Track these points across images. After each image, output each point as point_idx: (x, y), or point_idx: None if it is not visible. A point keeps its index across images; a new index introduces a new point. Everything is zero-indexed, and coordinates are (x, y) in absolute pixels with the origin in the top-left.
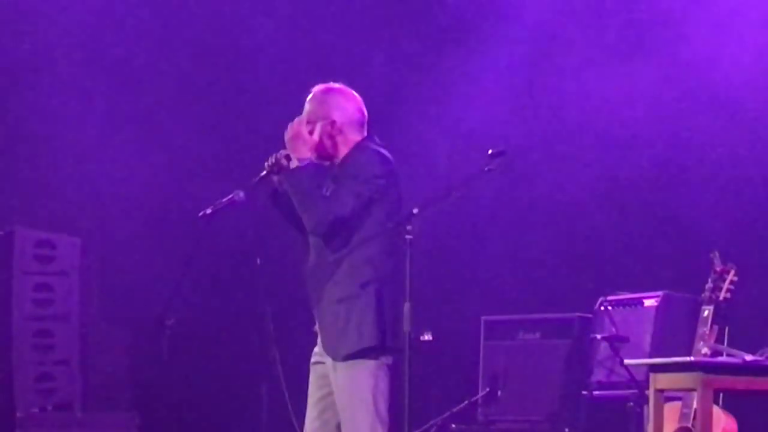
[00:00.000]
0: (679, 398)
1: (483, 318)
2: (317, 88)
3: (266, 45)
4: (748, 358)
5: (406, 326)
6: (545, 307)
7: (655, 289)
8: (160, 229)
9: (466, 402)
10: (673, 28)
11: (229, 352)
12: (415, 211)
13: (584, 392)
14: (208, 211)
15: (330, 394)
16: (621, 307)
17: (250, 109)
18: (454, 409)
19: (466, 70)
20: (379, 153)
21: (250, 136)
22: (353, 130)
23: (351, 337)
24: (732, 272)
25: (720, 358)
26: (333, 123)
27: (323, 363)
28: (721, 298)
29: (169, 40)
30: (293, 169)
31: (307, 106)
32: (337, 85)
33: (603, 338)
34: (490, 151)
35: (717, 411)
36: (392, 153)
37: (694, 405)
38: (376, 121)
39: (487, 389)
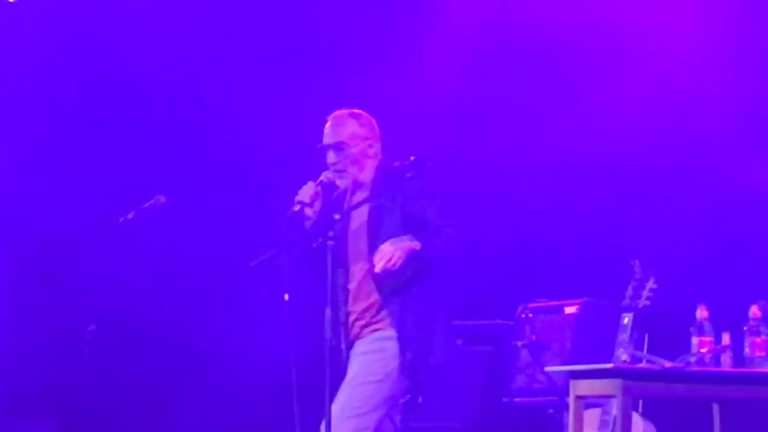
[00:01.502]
0: (599, 405)
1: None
2: (345, 112)
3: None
4: (668, 365)
5: (327, 333)
6: (466, 315)
7: (576, 297)
8: (82, 232)
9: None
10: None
11: (149, 359)
12: (336, 216)
13: (505, 399)
14: (130, 215)
15: None
16: (541, 314)
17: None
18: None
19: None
20: (431, 167)
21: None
22: (378, 153)
23: None
24: (652, 280)
25: (640, 365)
26: (371, 144)
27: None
28: (640, 305)
29: None
30: (421, 251)
31: (341, 131)
32: (357, 110)
33: (524, 345)
34: (412, 158)
35: (636, 418)
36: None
37: (614, 412)
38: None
39: (408, 396)
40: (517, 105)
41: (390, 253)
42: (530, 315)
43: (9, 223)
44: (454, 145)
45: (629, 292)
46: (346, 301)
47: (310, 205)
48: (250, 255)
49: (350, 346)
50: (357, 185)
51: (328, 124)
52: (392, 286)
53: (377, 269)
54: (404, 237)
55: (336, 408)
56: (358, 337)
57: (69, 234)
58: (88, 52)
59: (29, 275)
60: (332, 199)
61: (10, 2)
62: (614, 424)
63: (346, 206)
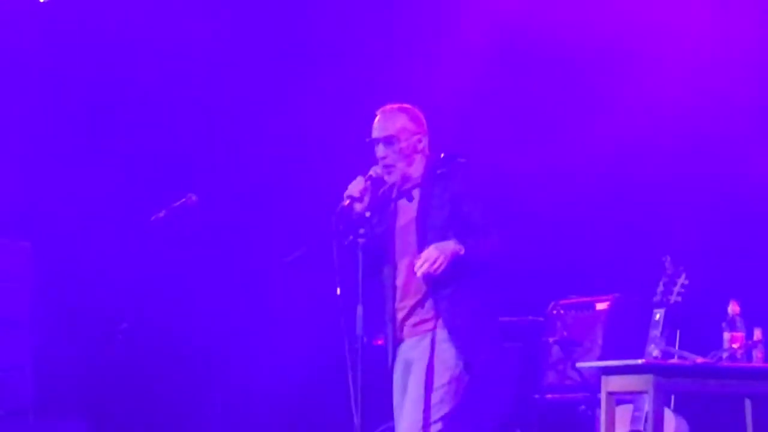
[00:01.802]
0: (630, 401)
1: None
2: (395, 106)
3: None
4: (699, 360)
5: (359, 329)
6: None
7: (607, 293)
8: (112, 233)
9: None
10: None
11: (181, 359)
12: (367, 214)
13: (536, 395)
14: (161, 214)
15: None
16: (573, 311)
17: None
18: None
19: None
20: (480, 166)
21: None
22: (427, 147)
23: None
24: (683, 276)
25: (671, 361)
26: (420, 139)
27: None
28: (672, 301)
29: None
30: (465, 255)
31: (391, 125)
32: (406, 104)
33: (555, 341)
34: (442, 155)
35: (668, 414)
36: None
37: (646, 408)
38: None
39: None
40: (545, 103)
41: (434, 257)
42: (561, 311)
43: (40, 221)
44: (482, 143)
45: (660, 288)
46: (393, 298)
47: (360, 200)
48: (281, 252)
49: (398, 343)
50: (405, 180)
51: (377, 118)
52: (441, 284)
53: (418, 273)
54: (450, 241)
55: (410, 419)
56: (408, 335)
57: (101, 233)
58: (110, 49)
59: (60, 274)
60: (380, 194)
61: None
62: (646, 420)
63: (393, 202)
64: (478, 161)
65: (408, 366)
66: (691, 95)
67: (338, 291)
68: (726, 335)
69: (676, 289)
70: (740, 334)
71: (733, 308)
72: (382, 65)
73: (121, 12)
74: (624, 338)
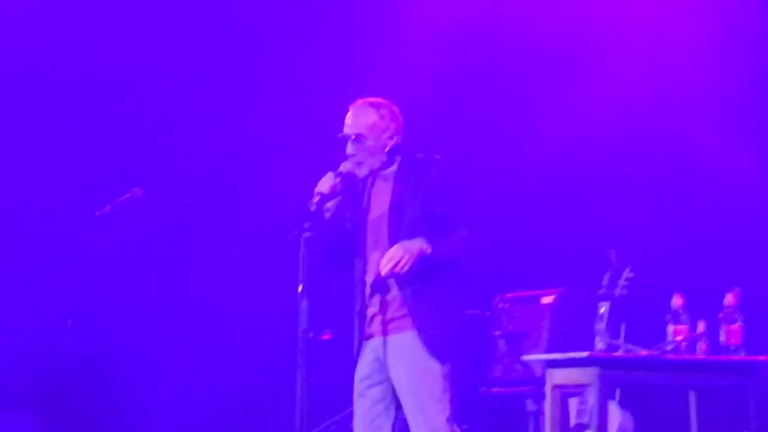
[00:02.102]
0: (576, 394)
1: None
2: (366, 101)
3: None
4: (644, 353)
5: (303, 324)
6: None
7: (552, 287)
8: (57, 228)
9: None
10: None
11: (126, 354)
12: (312, 207)
13: (483, 389)
14: (106, 209)
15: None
16: (518, 304)
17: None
18: (352, 408)
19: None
20: (452, 163)
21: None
22: (400, 137)
23: None
24: (628, 269)
25: (616, 354)
26: (391, 136)
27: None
28: (617, 294)
29: None
30: (432, 253)
31: (361, 122)
32: (379, 99)
33: (501, 335)
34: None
35: (613, 406)
36: (302, 149)
37: (591, 400)
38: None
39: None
40: (494, 99)
41: (398, 257)
42: (507, 305)
43: None
44: (430, 138)
45: (606, 281)
46: (363, 292)
47: (330, 197)
48: (226, 247)
49: (366, 338)
50: (376, 175)
51: (348, 114)
52: (410, 280)
53: (383, 273)
54: (417, 240)
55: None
56: (377, 332)
57: (45, 229)
58: (69, 45)
59: (6, 269)
60: (352, 188)
61: None
62: (591, 413)
63: (366, 195)
64: (452, 157)
65: (380, 366)
66: (637, 90)
67: (300, 288)
68: (670, 328)
69: (621, 282)
70: (684, 327)
71: (676, 301)
72: (336, 59)
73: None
74: (570, 331)
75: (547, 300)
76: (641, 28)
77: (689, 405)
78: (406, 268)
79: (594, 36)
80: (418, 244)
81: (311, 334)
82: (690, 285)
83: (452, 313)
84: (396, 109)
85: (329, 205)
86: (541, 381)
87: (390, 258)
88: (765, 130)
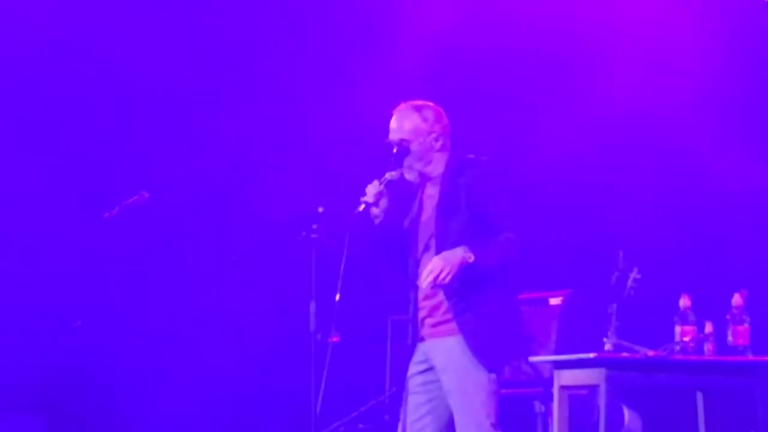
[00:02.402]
0: (584, 395)
1: (390, 318)
2: (409, 105)
3: None
4: (651, 353)
5: (312, 326)
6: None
7: (560, 288)
8: (65, 230)
9: (373, 402)
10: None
11: (135, 355)
12: (320, 209)
13: None
14: (114, 211)
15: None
16: (526, 306)
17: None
18: (362, 409)
19: (373, 70)
20: (502, 166)
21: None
22: (448, 143)
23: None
24: (635, 270)
25: (623, 354)
26: (437, 138)
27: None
28: (624, 295)
29: None
30: (475, 262)
31: (404, 126)
32: (422, 101)
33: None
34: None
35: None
36: (297, 149)
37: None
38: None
39: (394, 389)
40: (500, 100)
41: (439, 268)
42: None
43: None
44: None
45: (613, 282)
46: (416, 295)
47: (375, 204)
48: (232, 249)
49: (419, 341)
50: (426, 177)
51: (392, 119)
52: (458, 285)
53: (423, 285)
54: (459, 249)
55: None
56: (428, 335)
57: (54, 229)
58: (73, 48)
59: (14, 271)
60: (404, 192)
61: None
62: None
63: (417, 199)
64: (498, 160)
65: (430, 368)
66: (645, 92)
67: (338, 297)
68: (677, 329)
69: (629, 283)
70: (692, 328)
71: (684, 302)
72: (342, 60)
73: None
74: (577, 333)
75: (555, 301)
76: (646, 31)
77: (697, 405)
78: (448, 279)
79: (601, 38)
80: (460, 254)
81: (319, 336)
82: (697, 286)
83: (503, 319)
84: (440, 109)
85: (376, 211)
86: (549, 382)
87: (431, 270)
88: (763, 132)
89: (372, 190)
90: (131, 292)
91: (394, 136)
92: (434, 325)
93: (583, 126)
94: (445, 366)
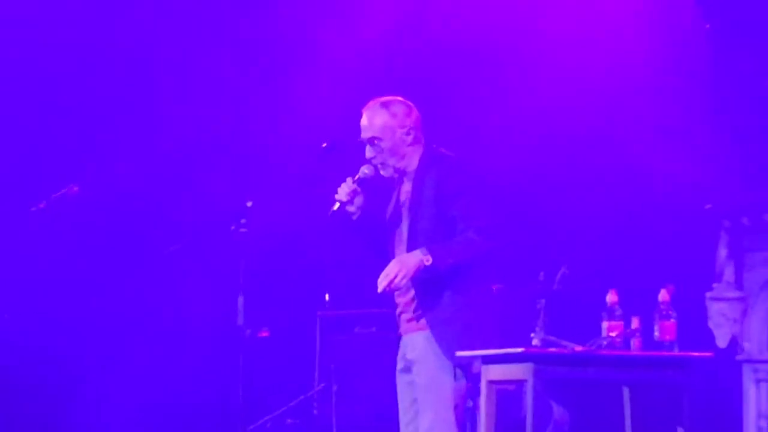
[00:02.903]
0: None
1: (319, 313)
2: (377, 102)
3: None
4: (578, 348)
5: (240, 320)
6: (381, 302)
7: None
8: None
9: (302, 397)
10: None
11: (63, 350)
12: (249, 204)
13: None
14: (42, 205)
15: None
16: None
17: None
18: (290, 404)
19: (301, 64)
20: (468, 160)
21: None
22: (421, 136)
23: None
24: (563, 267)
25: (551, 349)
26: (408, 132)
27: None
28: (553, 291)
29: None
30: (432, 265)
31: (374, 124)
32: (390, 97)
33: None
34: (324, 144)
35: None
36: (226, 144)
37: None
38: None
39: (323, 384)
40: (419, 97)
41: (394, 272)
42: None
43: None
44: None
45: (541, 277)
46: (391, 292)
47: (350, 202)
48: (164, 243)
49: (401, 337)
50: (402, 173)
51: (362, 117)
52: (426, 282)
53: (379, 289)
54: (415, 252)
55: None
56: (404, 331)
57: None
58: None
59: None
60: (375, 189)
61: None
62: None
63: (395, 194)
64: (465, 155)
65: (408, 365)
66: (567, 88)
67: (327, 297)
68: (604, 324)
69: (557, 278)
70: (618, 323)
71: (611, 298)
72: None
73: None
74: (506, 328)
75: None
76: (566, 26)
77: (623, 400)
78: (403, 282)
79: (524, 35)
80: (417, 257)
81: (249, 332)
82: (624, 281)
83: (471, 314)
84: (410, 104)
85: (352, 209)
86: (477, 377)
87: (386, 274)
88: (696, 128)
89: (345, 188)
90: (59, 286)
91: (365, 134)
92: (408, 321)
93: (509, 122)
94: (415, 360)
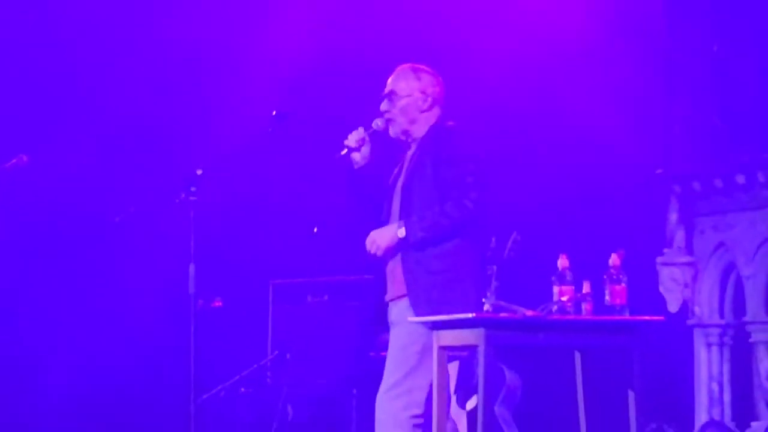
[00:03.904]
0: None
1: (271, 282)
2: (409, 65)
3: None
4: (529, 313)
5: (192, 288)
6: (333, 270)
7: None
8: None
9: (255, 366)
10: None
11: (10, 325)
12: (199, 172)
13: (372, 353)
14: None
15: None
16: None
17: None
18: (243, 373)
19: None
20: (472, 133)
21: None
22: (438, 109)
23: None
24: (515, 233)
25: (502, 314)
26: (425, 99)
27: None
28: (504, 257)
29: None
30: (405, 238)
31: (397, 81)
32: (423, 66)
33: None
34: (274, 113)
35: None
36: (175, 111)
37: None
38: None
39: (276, 352)
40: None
41: (368, 244)
42: None
43: None
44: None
45: (493, 244)
46: (385, 258)
47: (357, 149)
48: (111, 212)
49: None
50: (410, 137)
51: (392, 74)
52: (409, 250)
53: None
54: (390, 226)
55: (384, 379)
56: (389, 297)
57: None
58: None
59: None
60: (382, 143)
61: None
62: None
63: (402, 161)
64: (464, 125)
65: (391, 328)
66: (520, 61)
67: (315, 230)
68: (555, 289)
69: (508, 245)
70: (569, 288)
71: (562, 262)
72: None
73: None
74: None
75: None
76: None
77: (575, 365)
78: (379, 253)
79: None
80: (391, 231)
81: (201, 302)
82: (575, 246)
83: (450, 282)
84: (440, 79)
85: (357, 157)
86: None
87: (366, 245)
88: (647, 95)
89: (356, 135)
90: (5, 257)
91: (387, 88)
92: (393, 286)
93: (461, 92)
94: (391, 323)
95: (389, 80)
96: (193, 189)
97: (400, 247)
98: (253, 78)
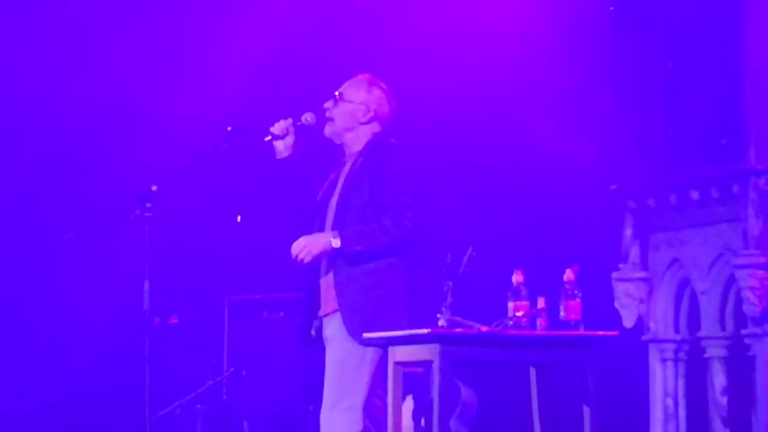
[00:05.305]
0: (419, 374)
1: (227, 298)
2: (368, 76)
3: None
4: (484, 329)
5: (146, 304)
6: (289, 287)
7: None
8: None
9: (211, 382)
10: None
11: None
12: (154, 188)
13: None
14: None
15: None
16: None
17: None
18: (199, 390)
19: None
20: (406, 154)
21: None
22: (378, 126)
23: None
24: (470, 248)
25: (457, 330)
26: (367, 111)
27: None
28: (459, 273)
29: None
30: (340, 249)
31: (353, 84)
32: (381, 82)
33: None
34: (229, 128)
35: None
36: (131, 127)
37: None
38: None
39: (232, 369)
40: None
41: (299, 248)
42: None
43: None
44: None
45: (449, 260)
46: (318, 271)
47: (281, 137)
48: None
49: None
50: (346, 150)
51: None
52: (342, 264)
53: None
54: (325, 233)
55: (325, 397)
56: (322, 312)
57: None
58: None
59: None
60: (306, 138)
61: None
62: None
63: (336, 176)
64: (407, 145)
65: (326, 344)
66: (469, 74)
67: (239, 218)
68: (510, 304)
69: (464, 260)
70: (524, 303)
71: (517, 278)
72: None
73: None
74: (414, 310)
75: None
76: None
77: (530, 380)
78: (307, 259)
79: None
80: (325, 238)
81: (157, 320)
82: (530, 262)
83: (384, 294)
84: (392, 96)
85: (281, 146)
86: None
87: (293, 249)
88: (602, 109)
89: (282, 124)
90: None
91: (339, 90)
92: (328, 302)
93: (412, 105)
94: (327, 339)
95: (345, 83)
96: (148, 205)
97: (331, 257)
98: (207, 94)
